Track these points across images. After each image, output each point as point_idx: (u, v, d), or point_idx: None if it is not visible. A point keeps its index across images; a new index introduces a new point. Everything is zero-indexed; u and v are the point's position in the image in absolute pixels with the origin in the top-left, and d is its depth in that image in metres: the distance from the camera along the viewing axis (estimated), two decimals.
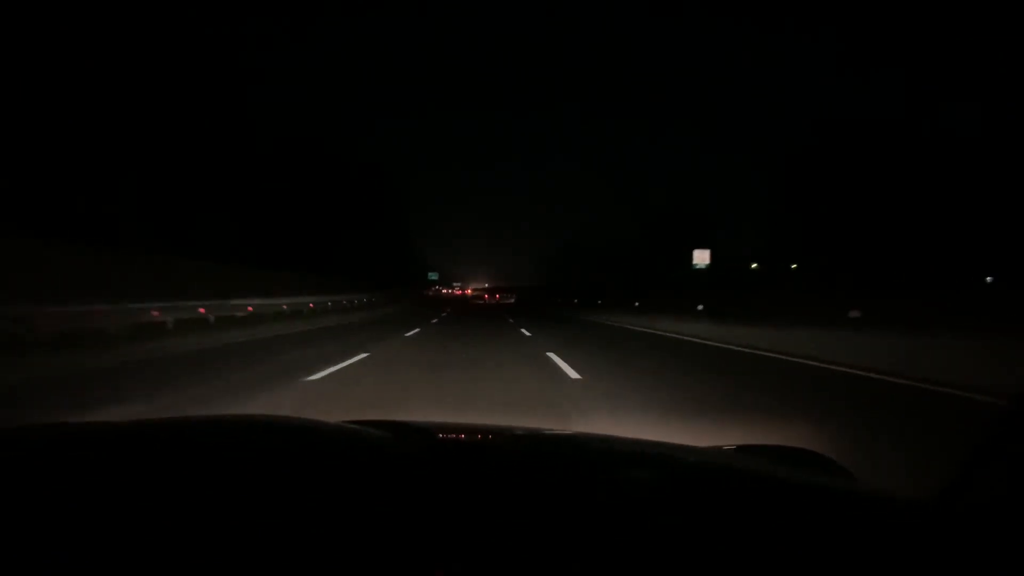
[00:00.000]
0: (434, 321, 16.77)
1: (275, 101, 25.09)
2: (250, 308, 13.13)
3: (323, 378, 5.33)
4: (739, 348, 8.52)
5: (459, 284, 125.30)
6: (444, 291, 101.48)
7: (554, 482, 0.67)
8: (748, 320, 11.84)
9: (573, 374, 5.65)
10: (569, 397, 4.37)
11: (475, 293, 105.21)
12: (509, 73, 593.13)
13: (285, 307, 15.74)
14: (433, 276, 77.32)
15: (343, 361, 6.53)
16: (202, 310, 11.22)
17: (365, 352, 7.50)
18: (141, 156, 15.04)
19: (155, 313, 9.74)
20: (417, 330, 12.51)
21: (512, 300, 71.98)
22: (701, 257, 34.32)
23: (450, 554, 0.46)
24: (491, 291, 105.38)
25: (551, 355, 7.30)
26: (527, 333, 11.99)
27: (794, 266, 31.48)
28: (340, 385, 4.98)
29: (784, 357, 7.16)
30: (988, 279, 15.01)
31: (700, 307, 18.49)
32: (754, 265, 38.58)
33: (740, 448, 1.00)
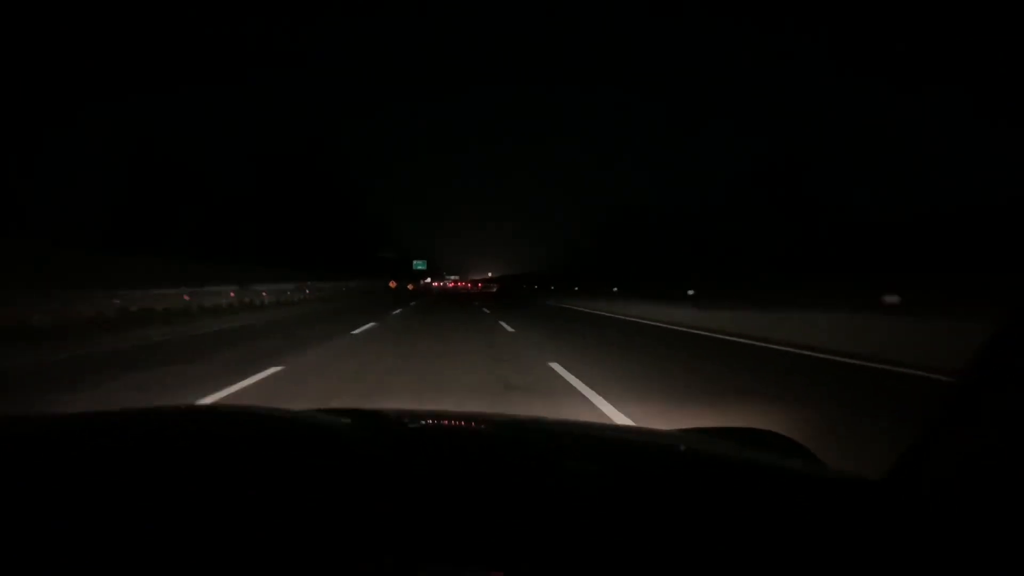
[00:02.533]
0: None
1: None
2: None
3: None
4: None
5: (455, 277, 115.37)
6: (436, 284, 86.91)
7: (515, 471, 0.68)
8: None
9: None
10: None
11: (461, 285, 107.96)
12: (512, 70, 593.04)
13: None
14: (420, 265, 65.34)
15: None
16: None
17: None
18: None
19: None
20: None
21: (494, 289, 75.85)
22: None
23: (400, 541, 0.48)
24: (474, 282, 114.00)
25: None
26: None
27: None
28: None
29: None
30: None
31: None
32: None
33: (704, 430, 1.04)
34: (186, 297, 12.87)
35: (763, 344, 7.29)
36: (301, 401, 3.96)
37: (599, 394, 3.91)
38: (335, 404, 4.58)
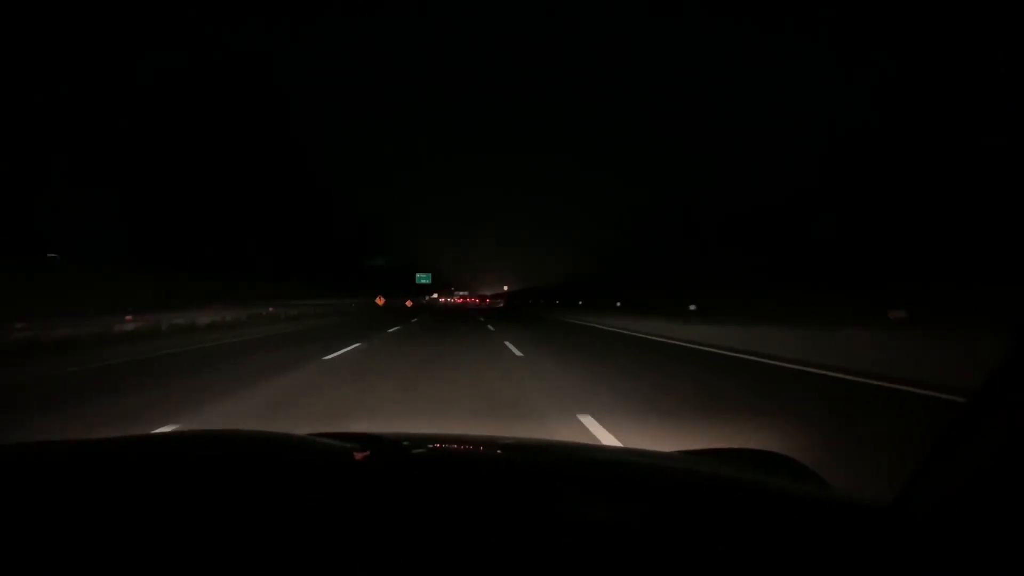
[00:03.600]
0: None
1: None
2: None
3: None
4: None
5: (464, 293, 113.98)
6: (442, 299, 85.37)
7: (518, 496, 0.68)
8: None
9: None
10: None
11: (471, 300, 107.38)
12: (514, 74, 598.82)
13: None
14: (424, 279, 62.05)
15: None
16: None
17: None
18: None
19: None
20: None
21: (501, 304, 75.63)
22: None
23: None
24: (483, 297, 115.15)
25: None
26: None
27: None
28: None
29: None
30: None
31: None
32: None
33: (708, 452, 1.06)
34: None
35: None
36: None
37: None
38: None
